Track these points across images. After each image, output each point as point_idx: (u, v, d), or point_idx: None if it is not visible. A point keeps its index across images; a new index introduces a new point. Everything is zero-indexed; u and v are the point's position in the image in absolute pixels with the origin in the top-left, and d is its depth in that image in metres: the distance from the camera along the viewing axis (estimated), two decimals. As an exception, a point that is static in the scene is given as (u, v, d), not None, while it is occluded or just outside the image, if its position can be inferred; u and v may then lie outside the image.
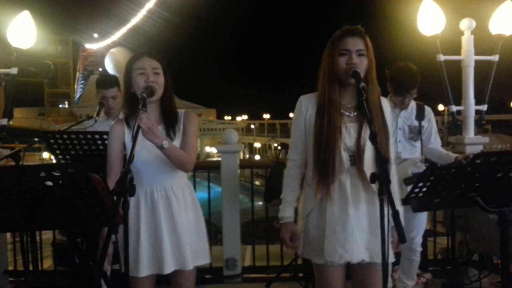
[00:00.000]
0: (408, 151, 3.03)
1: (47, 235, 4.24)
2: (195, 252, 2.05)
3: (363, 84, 1.76)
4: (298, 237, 2.01)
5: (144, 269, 1.98)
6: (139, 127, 1.76)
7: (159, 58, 2.05)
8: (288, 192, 2.04)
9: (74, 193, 1.53)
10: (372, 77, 1.91)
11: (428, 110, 3.12)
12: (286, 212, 2.04)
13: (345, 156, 1.88)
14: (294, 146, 2.04)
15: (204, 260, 2.11)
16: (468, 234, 3.44)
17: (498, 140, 4.11)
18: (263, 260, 4.11)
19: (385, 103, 2.03)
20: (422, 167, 3.01)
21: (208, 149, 37.45)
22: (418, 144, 3.07)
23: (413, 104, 3.07)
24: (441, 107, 27.29)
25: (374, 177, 1.51)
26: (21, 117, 40.06)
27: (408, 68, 2.96)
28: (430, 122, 3.11)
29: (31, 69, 4.09)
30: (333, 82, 1.90)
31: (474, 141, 3.60)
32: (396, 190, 1.99)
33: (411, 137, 3.04)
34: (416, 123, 3.06)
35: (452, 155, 3.04)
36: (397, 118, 3.03)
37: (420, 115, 3.07)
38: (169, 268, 1.98)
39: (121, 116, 3.03)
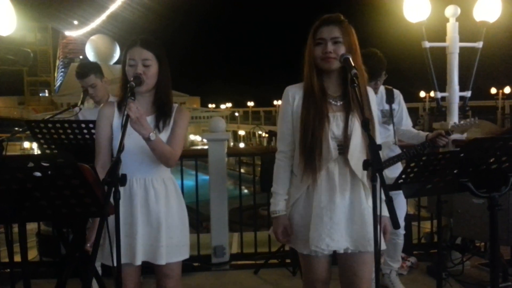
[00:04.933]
0: (382, 135, 3.06)
1: (31, 225, 4.18)
2: (174, 247, 2.01)
3: (355, 71, 1.71)
4: (292, 230, 1.97)
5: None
6: (128, 116, 1.74)
7: (154, 48, 1.98)
8: (279, 184, 2.00)
9: (64, 184, 1.50)
10: (355, 63, 1.82)
11: (397, 92, 3.19)
12: (278, 206, 1.98)
13: (333, 145, 1.86)
14: (282, 138, 2.01)
15: (183, 255, 2.07)
16: (452, 219, 3.51)
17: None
18: (251, 247, 4.15)
19: (370, 90, 2.01)
20: (396, 150, 3.09)
21: (192, 137, 37.30)
22: (391, 127, 3.13)
23: (381, 89, 3.13)
24: (422, 94, 27.64)
25: (366, 164, 1.52)
26: (1, 106, 39.24)
27: (373, 52, 2.99)
28: (400, 105, 3.18)
29: (9, 57, 3.99)
30: (315, 71, 1.90)
31: (458, 127, 3.65)
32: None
33: (384, 121, 3.10)
34: (387, 106, 3.13)
35: (423, 134, 3.10)
36: None
37: (390, 99, 3.14)
38: (139, 259, 1.95)
39: (112, 99, 2.96)
